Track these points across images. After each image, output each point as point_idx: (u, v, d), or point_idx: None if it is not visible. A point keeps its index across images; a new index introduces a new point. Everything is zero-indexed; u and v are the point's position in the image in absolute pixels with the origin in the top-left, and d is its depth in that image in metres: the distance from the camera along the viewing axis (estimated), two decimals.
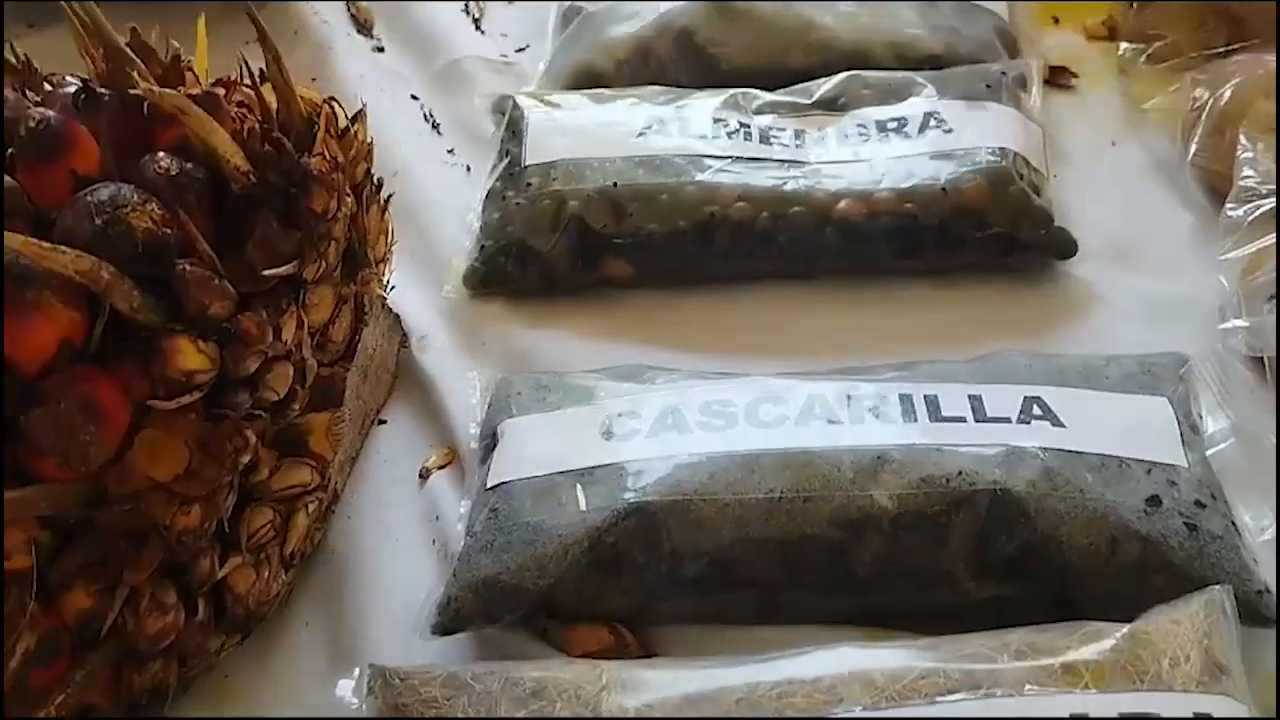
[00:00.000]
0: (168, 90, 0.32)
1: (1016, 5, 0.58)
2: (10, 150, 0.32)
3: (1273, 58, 0.50)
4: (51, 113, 0.32)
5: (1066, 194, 0.50)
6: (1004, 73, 0.51)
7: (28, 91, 0.36)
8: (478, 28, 0.62)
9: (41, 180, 0.31)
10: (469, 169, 0.54)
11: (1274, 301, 0.40)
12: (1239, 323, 0.40)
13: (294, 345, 0.36)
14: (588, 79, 0.54)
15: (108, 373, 0.31)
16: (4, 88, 0.34)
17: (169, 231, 0.32)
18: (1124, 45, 0.56)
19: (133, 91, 0.32)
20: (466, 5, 0.63)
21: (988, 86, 0.50)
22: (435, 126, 0.57)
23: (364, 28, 0.62)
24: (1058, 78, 0.57)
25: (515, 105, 0.51)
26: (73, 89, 0.34)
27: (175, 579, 0.34)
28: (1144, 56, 0.55)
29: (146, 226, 0.31)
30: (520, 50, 0.60)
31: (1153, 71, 0.54)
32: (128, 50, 0.33)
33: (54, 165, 0.31)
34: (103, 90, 0.33)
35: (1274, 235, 0.43)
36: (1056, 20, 0.60)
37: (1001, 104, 0.50)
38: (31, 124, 0.31)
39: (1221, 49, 0.53)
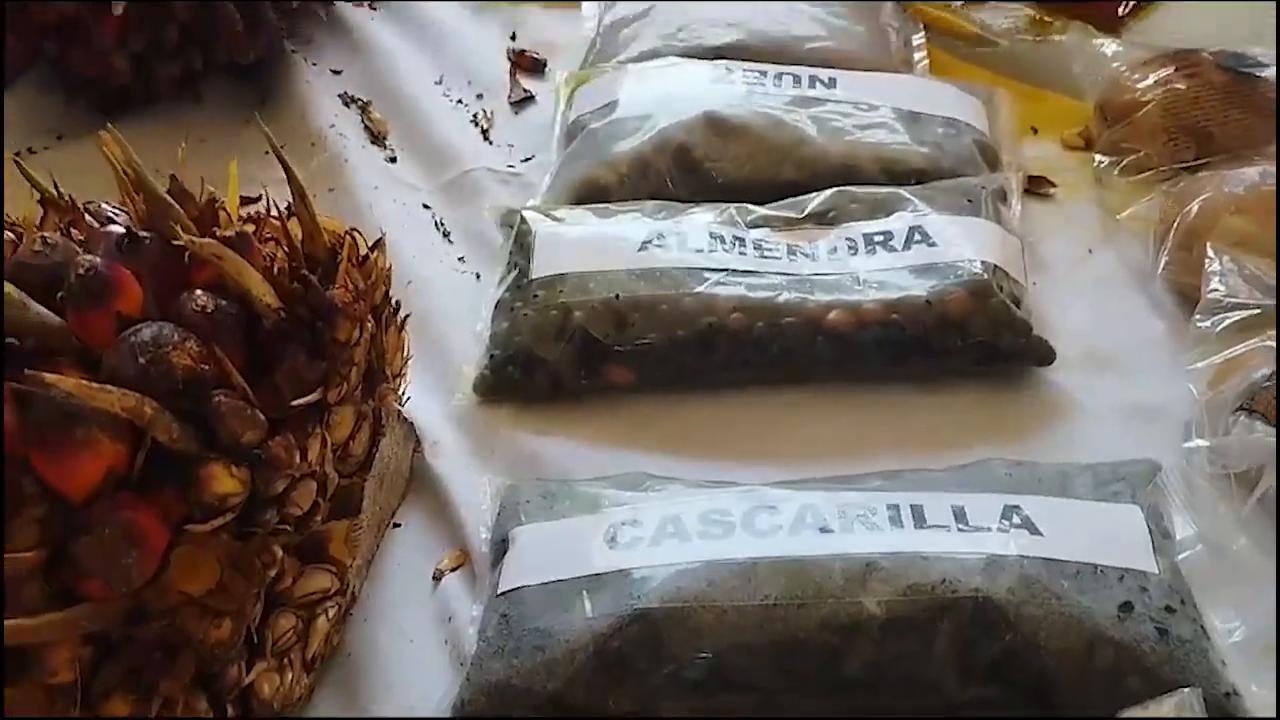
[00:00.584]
0: (207, 240, 0.35)
1: (998, 116, 0.62)
2: (60, 294, 0.34)
3: (1241, 170, 0.53)
4: (99, 260, 0.34)
5: (1045, 302, 0.53)
6: (984, 187, 0.54)
7: (72, 230, 0.39)
8: (486, 138, 0.65)
9: (89, 322, 0.34)
10: (478, 276, 0.57)
11: (1238, 414, 0.42)
12: (1201, 442, 0.43)
13: (318, 463, 0.38)
14: (591, 191, 0.57)
15: (147, 499, 0.33)
16: (51, 227, 0.37)
17: (206, 367, 0.34)
18: (1099, 157, 0.59)
19: (175, 243, 0.34)
20: (475, 116, 0.66)
21: (969, 201, 0.53)
22: (446, 235, 0.60)
23: (378, 139, 0.66)
24: (1036, 187, 0.60)
25: (523, 220, 0.54)
26: (115, 232, 0.37)
27: (206, 687, 0.36)
28: (1118, 168, 0.58)
29: (185, 364, 0.34)
30: (526, 160, 0.63)
31: (1127, 183, 0.57)
32: (167, 198, 0.36)
33: (101, 309, 0.34)
34: (144, 234, 0.36)
35: (1240, 347, 0.46)
36: (1035, 130, 0.63)
37: (982, 218, 0.53)
38: (81, 271, 0.34)
39: (1191, 163, 0.56)
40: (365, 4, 0.74)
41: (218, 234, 0.36)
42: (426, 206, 0.61)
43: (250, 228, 0.39)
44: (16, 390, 0.32)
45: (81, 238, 0.38)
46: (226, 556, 0.35)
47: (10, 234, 0.37)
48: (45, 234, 0.36)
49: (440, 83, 0.69)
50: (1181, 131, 0.57)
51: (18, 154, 0.65)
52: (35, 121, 0.67)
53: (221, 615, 0.35)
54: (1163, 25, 0.68)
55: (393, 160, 0.64)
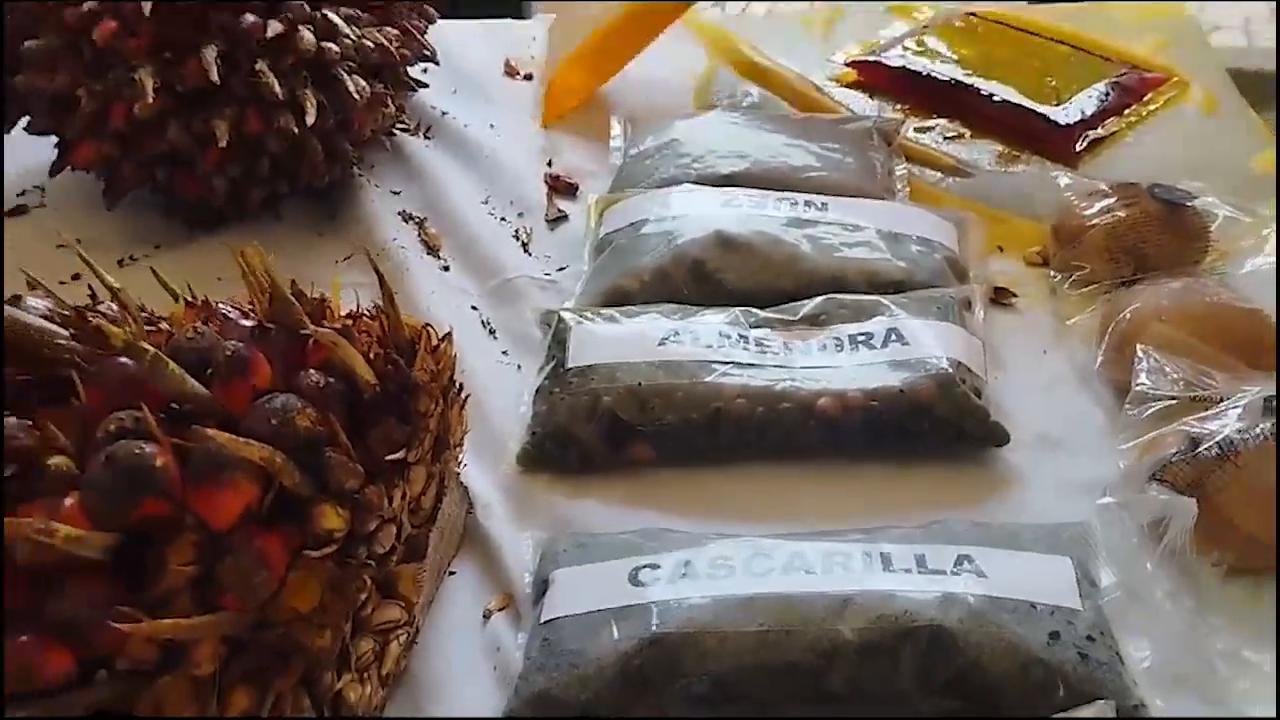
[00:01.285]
0: (325, 330, 0.44)
1: (967, 237, 0.72)
2: (209, 370, 0.44)
3: (1167, 284, 0.63)
4: (240, 344, 0.44)
5: (1003, 393, 0.62)
6: (952, 297, 0.64)
7: (208, 322, 0.49)
8: (526, 251, 0.75)
9: (231, 393, 0.43)
10: (519, 367, 0.66)
11: (1151, 483, 0.51)
12: (1109, 499, 0.52)
13: (398, 511, 0.47)
14: (617, 296, 0.67)
15: (273, 530, 0.42)
16: (193, 323, 0.47)
17: (320, 429, 0.43)
18: (1054, 272, 0.69)
19: (303, 332, 0.44)
20: (517, 232, 0.77)
21: (938, 308, 0.63)
22: (492, 332, 0.69)
23: (433, 250, 0.76)
24: (1000, 297, 0.69)
25: (560, 319, 0.64)
26: (247, 325, 0.47)
27: (308, 689, 0.44)
28: (1069, 282, 0.68)
29: (305, 426, 0.43)
30: (561, 269, 0.73)
31: (1076, 294, 0.67)
32: (291, 297, 0.46)
33: (241, 382, 0.43)
34: (270, 325, 0.46)
35: (1160, 430, 0.55)
36: (1001, 249, 0.73)
37: (949, 322, 0.62)
38: (227, 353, 0.43)
39: (1129, 278, 0.66)
40: (421, 134, 0.85)
41: (328, 326, 0.46)
42: (475, 308, 0.71)
43: (349, 322, 0.49)
44: (176, 443, 0.41)
45: (215, 328, 0.48)
46: (329, 581, 0.44)
47: (162, 326, 0.47)
48: (196, 324, 0.46)
49: (486, 202, 0.79)
50: (1121, 252, 0.67)
51: (121, 260, 0.75)
52: (137, 233, 0.78)
53: (323, 628, 0.44)
54: (1111, 162, 0.79)
55: (446, 269, 0.75)
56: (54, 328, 0.45)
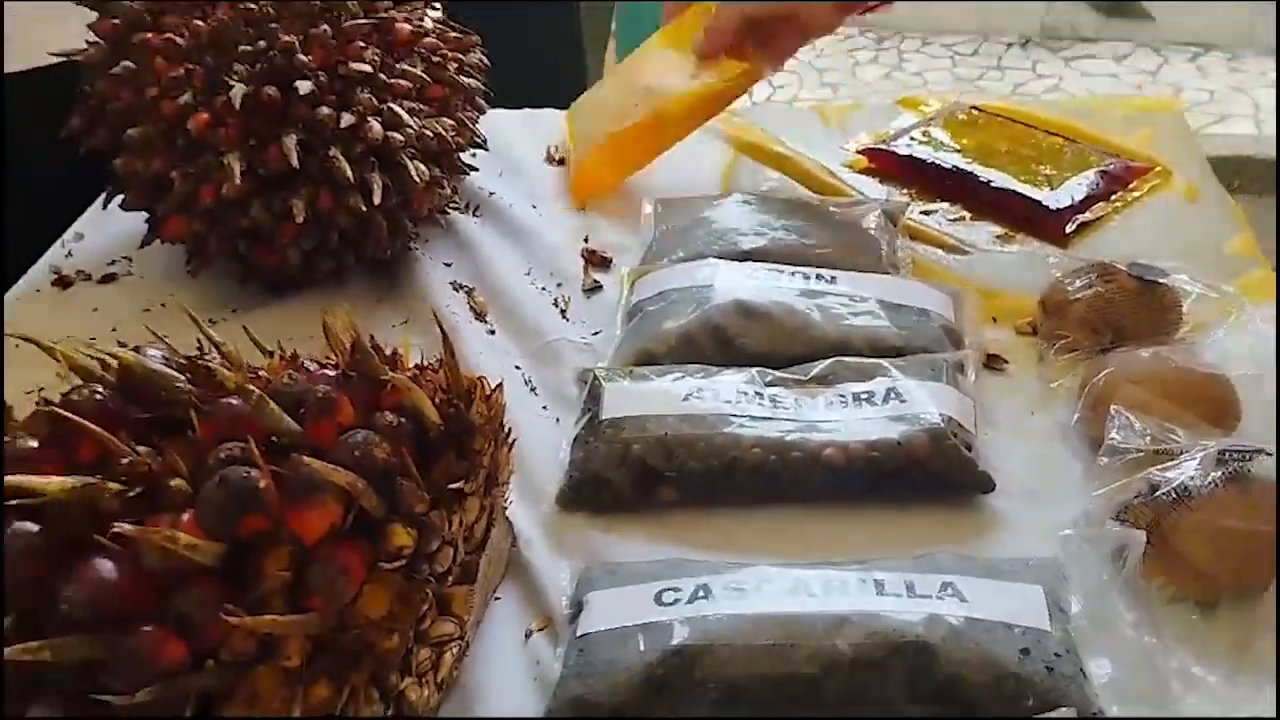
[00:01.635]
0: (399, 377, 0.52)
1: (963, 308, 0.79)
2: (301, 410, 0.52)
3: (1139, 353, 0.70)
4: (328, 389, 0.52)
5: (992, 447, 0.69)
6: (946, 361, 0.72)
7: (293, 372, 0.57)
8: (564, 317, 0.83)
9: (320, 429, 0.51)
10: (558, 420, 0.74)
11: (1113, 521, 0.58)
12: (1068, 531, 0.59)
13: (456, 536, 0.55)
14: (646, 358, 0.75)
15: (352, 545, 0.50)
16: (287, 372, 0.55)
17: (394, 460, 0.51)
18: (1041, 341, 0.77)
19: (381, 379, 0.52)
20: (556, 300, 0.85)
21: (933, 370, 0.70)
22: (533, 389, 0.77)
23: (480, 316, 0.84)
24: (993, 363, 0.77)
25: (595, 377, 0.72)
26: (331, 373, 0.55)
27: (377, 686, 0.52)
28: (1054, 350, 0.75)
29: (382, 457, 0.51)
30: (595, 334, 0.81)
31: (1061, 360, 0.74)
32: (370, 349, 0.54)
33: (328, 421, 0.51)
34: (352, 373, 0.54)
35: (1128, 479, 0.62)
36: (995, 320, 0.81)
37: (943, 383, 0.69)
38: (318, 395, 0.51)
39: (1107, 346, 0.73)
40: (471, 213, 0.94)
41: (400, 374, 0.54)
42: (518, 368, 0.79)
43: (417, 372, 0.57)
44: (274, 470, 0.49)
45: (304, 377, 0.56)
46: (397, 592, 0.51)
47: (261, 374, 0.55)
48: (290, 372, 0.54)
49: (529, 274, 0.88)
50: (1101, 323, 0.74)
51: (205, 322, 0.84)
52: (216, 298, 0.86)
53: (392, 633, 0.51)
54: (1098, 243, 0.86)
55: (491, 333, 0.83)
56: (172, 373, 0.53)
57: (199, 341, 0.57)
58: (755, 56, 0.94)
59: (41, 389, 0.67)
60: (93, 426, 0.50)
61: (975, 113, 1.01)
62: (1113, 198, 0.91)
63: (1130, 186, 0.92)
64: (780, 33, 0.94)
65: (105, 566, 0.47)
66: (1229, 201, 0.92)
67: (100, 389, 0.52)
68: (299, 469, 0.49)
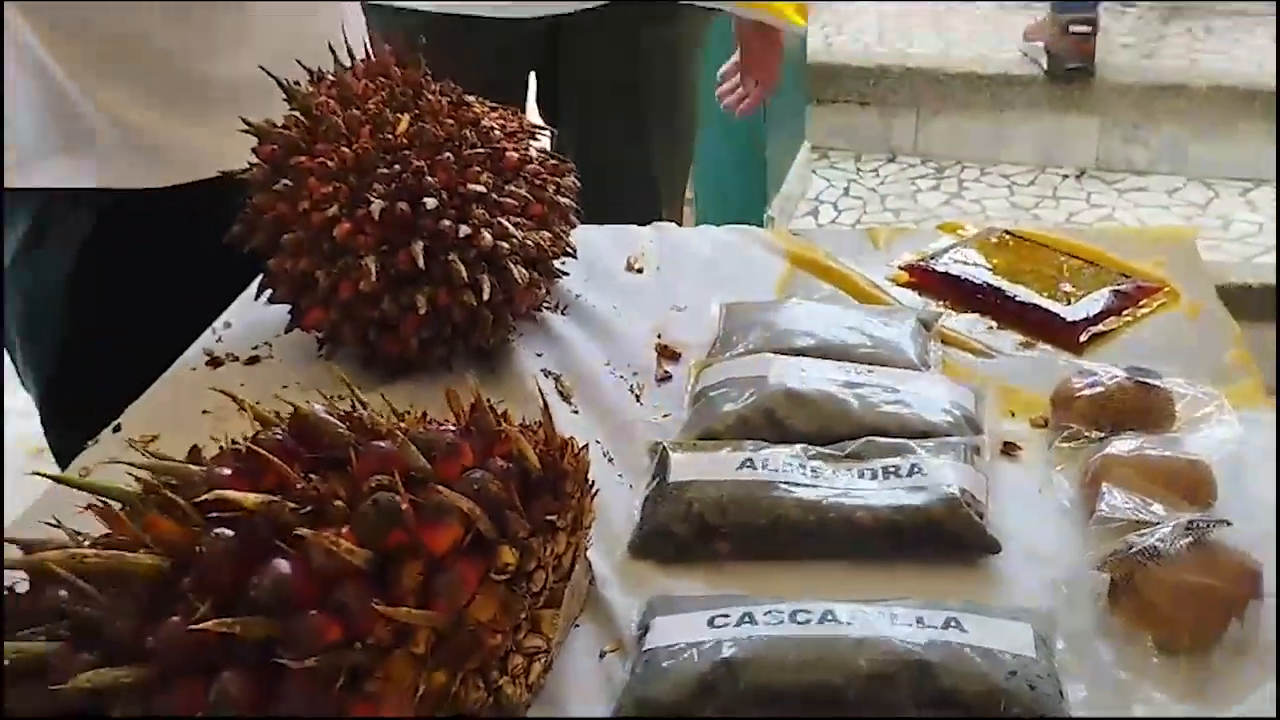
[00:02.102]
0: (511, 429, 0.66)
1: (984, 402, 0.91)
2: (433, 453, 0.66)
3: (1129, 440, 0.81)
4: (453, 437, 0.66)
5: (1003, 518, 0.80)
6: (964, 444, 0.84)
7: (425, 426, 0.71)
8: (638, 401, 0.97)
9: (447, 468, 0.65)
10: (630, 486, 0.87)
11: (1095, 571, 0.69)
12: (1057, 576, 0.70)
13: (548, 562, 0.68)
14: (708, 435, 0.88)
15: (469, 560, 0.63)
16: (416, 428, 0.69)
17: (503, 495, 0.65)
18: (1050, 432, 0.89)
19: (495, 430, 0.66)
20: (631, 387, 0.99)
21: (953, 451, 0.83)
22: (610, 460, 0.90)
23: (566, 398, 0.98)
24: (1009, 450, 0.89)
25: (664, 448, 0.85)
26: (455, 427, 0.69)
27: (482, 677, 0.64)
28: (1061, 439, 0.87)
29: (495, 492, 0.64)
30: (665, 416, 0.95)
31: (1066, 448, 0.86)
32: (490, 412, 0.68)
33: (454, 461, 0.65)
34: (471, 427, 0.68)
35: (1115, 543, 0.73)
36: (1013, 414, 0.93)
37: (961, 462, 0.82)
38: (446, 442, 0.65)
39: (1106, 434, 0.85)
40: (560, 311, 1.09)
41: (509, 429, 0.68)
42: (598, 442, 0.92)
43: (522, 429, 0.70)
44: (412, 498, 0.63)
45: (432, 430, 0.70)
46: (502, 601, 0.64)
47: (401, 426, 0.70)
48: (424, 425, 0.68)
49: (609, 364, 1.02)
50: (1102, 416, 0.86)
51: (330, 398, 0.99)
52: (363, 373, 1.01)
53: (496, 634, 0.64)
54: (1109, 352, 0.99)
55: (575, 412, 0.96)
56: (334, 421, 0.67)
57: (351, 401, 0.71)
58: None
59: (231, 437, 0.82)
60: (275, 460, 0.64)
61: (1005, 236, 1.15)
62: (1124, 313, 1.03)
63: (1140, 303, 1.04)
64: None
65: (283, 565, 0.60)
66: (1229, 320, 1.03)
67: (279, 433, 0.67)
68: (431, 497, 0.63)
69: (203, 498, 0.62)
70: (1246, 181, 2.75)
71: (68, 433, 0.98)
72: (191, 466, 0.66)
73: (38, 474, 0.70)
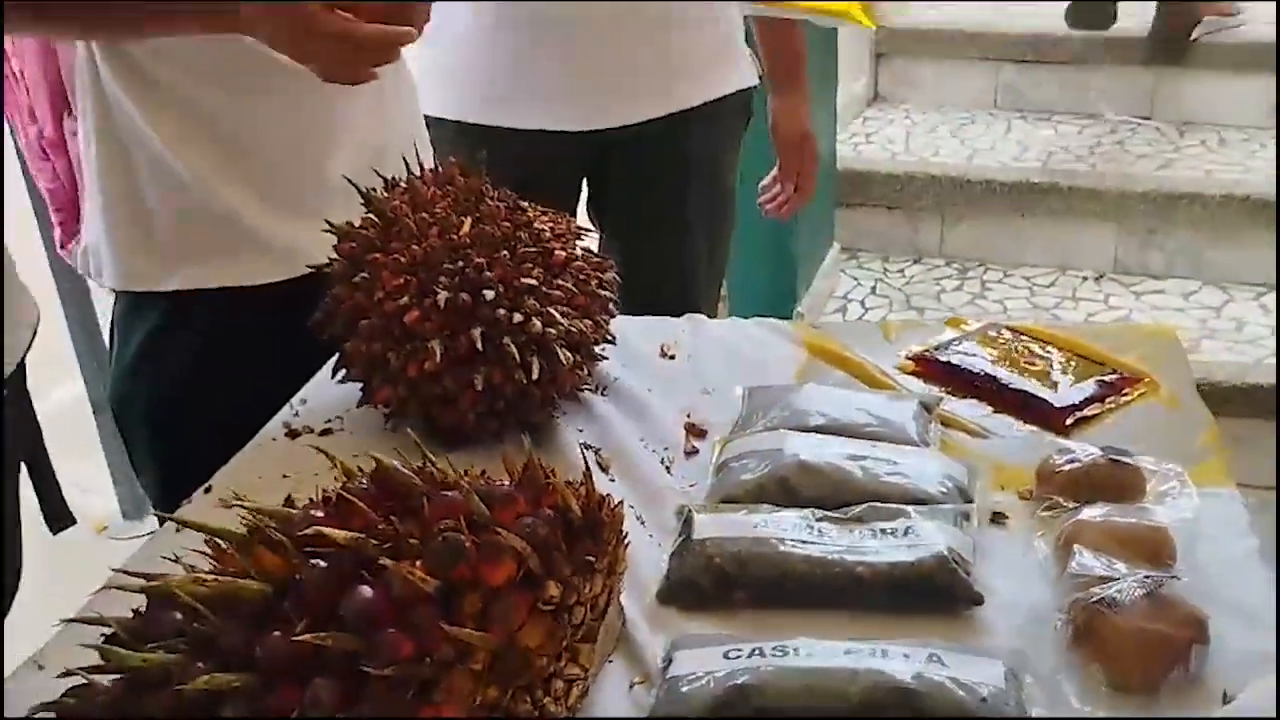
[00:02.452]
0: (558, 482, 0.78)
1: (976, 477, 1.03)
2: (492, 502, 0.78)
3: (1098, 508, 0.92)
4: (509, 489, 0.78)
5: (988, 575, 0.91)
6: (955, 510, 0.95)
7: (485, 481, 0.83)
8: (668, 472, 1.09)
9: (503, 514, 0.77)
10: (660, 545, 0.98)
11: (1062, 615, 0.80)
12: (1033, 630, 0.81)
13: (586, 599, 0.79)
14: (729, 500, 1.00)
15: (521, 592, 0.75)
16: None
17: (551, 538, 0.77)
18: (1035, 503, 0.99)
19: (544, 482, 0.78)
20: (662, 459, 1.11)
21: (944, 516, 0.94)
22: (642, 522, 1.02)
23: (604, 469, 1.10)
24: (997, 519, 0.99)
25: (689, 511, 0.97)
26: (510, 483, 0.81)
27: (529, 695, 0.75)
28: (1043, 509, 0.98)
29: (543, 534, 0.76)
30: (692, 485, 1.07)
31: (1048, 516, 0.97)
32: (541, 471, 0.80)
33: (509, 508, 0.77)
34: (524, 482, 0.80)
35: (1082, 594, 0.83)
36: (1003, 487, 1.04)
37: (951, 525, 0.93)
38: (502, 493, 0.78)
39: (1082, 505, 0.95)
40: (600, 392, 1.22)
41: (556, 483, 0.80)
42: (632, 507, 1.04)
43: (567, 484, 0.82)
44: (474, 539, 0.75)
45: (485, 482, 0.82)
46: (547, 629, 0.76)
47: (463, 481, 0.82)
48: (485, 481, 0.80)
49: (643, 439, 1.14)
50: (1079, 490, 0.97)
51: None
52: (406, 448, 1.14)
53: (542, 657, 0.75)
54: (1093, 435, 1.09)
55: (612, 480, 1.08)
56: (410, 474, 0.80)
57: (422, 460, 0.84)
58: None
59: (321, 489, 0.95)
60: (361, 505, 0.77)
61: (1004, 331, 1.27)
62: (1107, 400, 1.14)
63: (1123, 392, 1.16)
64: None
65: (367, 591, 0.72)
66: (1204, 410, 1.14)
67: (363, 483, 0.79)
68: (490, 538, 0.75)
69: (302, 533, 0.74)
70: (1259, 286, 2.85)
71: (167, 495, 1.11)
72: (290, 510, 0.79)
73: (159, 515, 0.84)
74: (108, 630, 0.76)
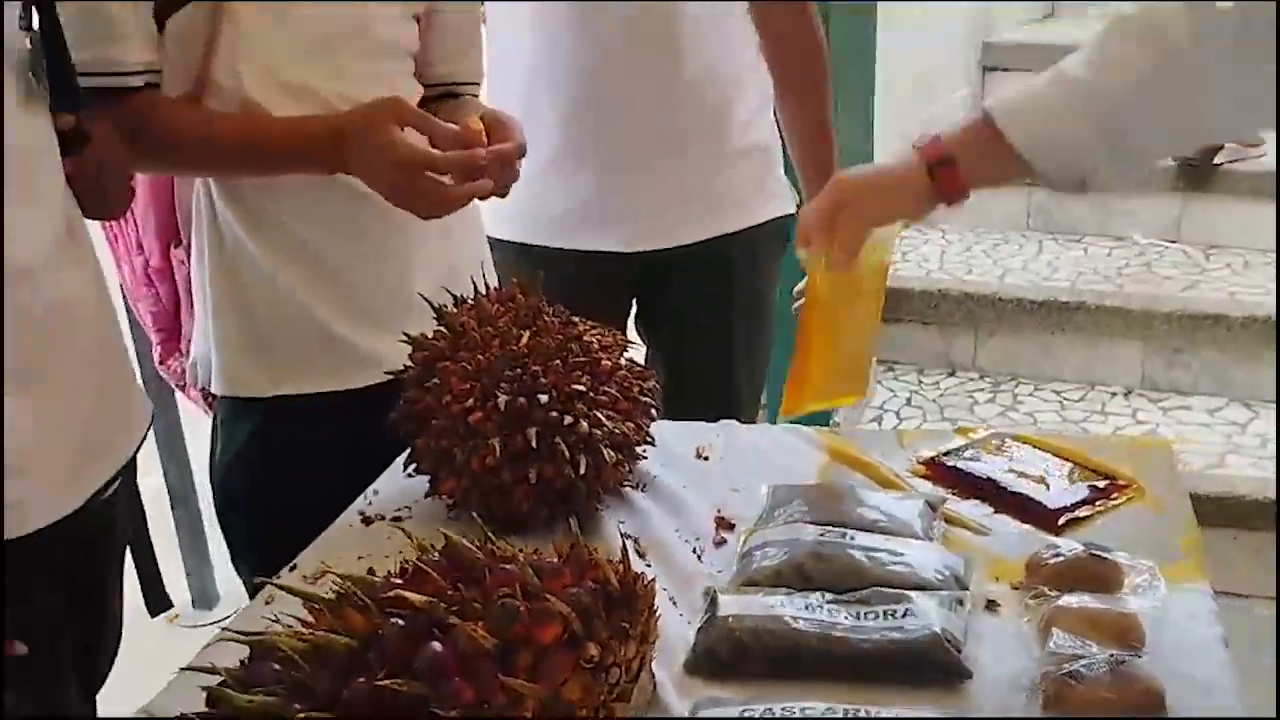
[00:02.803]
0: (600, 558, 0.92)
1: (973, 569, 1.15)
2: (543, 574, 0.92)
3: (1074, 597, 1.04)
4: (557, 563, 0.92)
5: (979, 652, 1.03)
6: (950, 596, 1.07)
7: (538, 557, 0.97)
8: (699, 559, 1.22)
9: (552, 584, 0.91)
10: (690, 622, 1.11)
11: (1034, 685, 0.92)
12: (1011, 694, 0.92)
13: (621, 661, 0.92)
14: (750, 584, 1.13)
15: (566, 651, 0.88)
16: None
17: (592, 606, 0.90)
18: (1024, 592, 1.11)
19: (587, 559, 0.92)
20: (694, 549, 1.24)
21: (940, 601, 1.06)
22: (674, 602, 1.15)
23: (641, 555, 1.23)
24: (991, 606, 1.11)
25: (715, 591, 1.10)
26: (558, 558, 0.95)
27: None
28: (1031, 597, 1.09)
29: (585, 602, 0.90)
30: (719, 571, 1.20)
31: (1035, 604, 1.09)
32: (586, 551, 0.94)
33: (557, 580, 0.91)
34: (570, 557, 0.94)
35: (1058, 668, 0.95)
36: (998, 579, 1.16)
37: (946, 609, 1.05)
38: (550, 566, 0.92)
39: (1062, 594, 1.07)
40: (640, 488, 1.36)
41: (598, 559, 0.94)
42: (664, 589, 1.17)
43: (608, 562, 0.96)
44: (526, 604, 0.89)
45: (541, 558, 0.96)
46: (586, 686, 0.89)
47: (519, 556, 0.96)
48: (539, 555, 0.94)
49: (677, 531, 1.27)
50: (1064, 581, 1.09)
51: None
52: (466, 536, 1.29)
53: (582, 709, 0.88)
54: (1082, 534, 1.22)
55: (648, 566, 1.22)
56: (475, 550, 0.94)
57: (484, 539, 0.98)
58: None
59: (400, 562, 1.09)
60: (433, 574, 0.91)
61: (1006, 440, 1.40)
62: (1097, 503, 1.27)
63: (1113, 497, 1.28)
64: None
65: (437, 646, 0.86)
66: (1189, 515, 1.26)
67: (435, 556, 0.94)
68: (540, 604, 0.88)
69: (384, 596, 0.89)
70: None
71: (260, 572, 1.25)
72: (373, 579, 0.94)
73: (262, 580, 0.99)
74: (216, 679, 0.90)
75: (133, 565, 1.36)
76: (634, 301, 1.97)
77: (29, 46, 1.13)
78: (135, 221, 1.50)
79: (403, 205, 1.25)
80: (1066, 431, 2.96)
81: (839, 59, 2.20)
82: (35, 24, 1.16)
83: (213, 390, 1.49)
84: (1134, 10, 1.12)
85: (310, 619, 0.93)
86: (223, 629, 1.01)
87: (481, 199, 1.29)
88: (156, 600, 1.39)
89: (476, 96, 1.57)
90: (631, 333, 1.97)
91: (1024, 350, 3.28)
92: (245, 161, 1.34)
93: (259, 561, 1.41)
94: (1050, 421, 3.03)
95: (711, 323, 1.93)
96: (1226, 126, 1.23)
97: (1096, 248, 3.61)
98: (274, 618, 0.95)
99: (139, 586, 1.39)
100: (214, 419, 1.51)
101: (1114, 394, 3.13)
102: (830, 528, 1.19)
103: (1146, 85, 1.08)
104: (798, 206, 2.00)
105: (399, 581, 0.92)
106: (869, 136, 3.13)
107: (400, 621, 0.88)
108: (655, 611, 0.99)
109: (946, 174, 1.14)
